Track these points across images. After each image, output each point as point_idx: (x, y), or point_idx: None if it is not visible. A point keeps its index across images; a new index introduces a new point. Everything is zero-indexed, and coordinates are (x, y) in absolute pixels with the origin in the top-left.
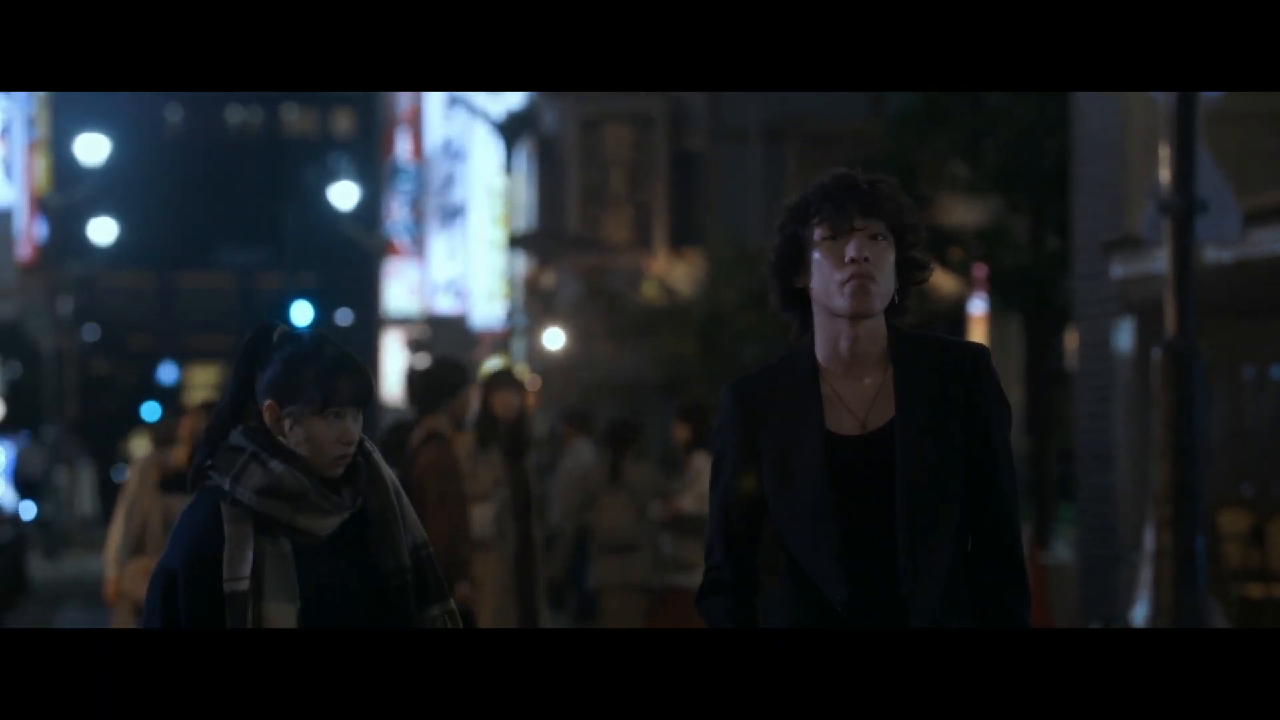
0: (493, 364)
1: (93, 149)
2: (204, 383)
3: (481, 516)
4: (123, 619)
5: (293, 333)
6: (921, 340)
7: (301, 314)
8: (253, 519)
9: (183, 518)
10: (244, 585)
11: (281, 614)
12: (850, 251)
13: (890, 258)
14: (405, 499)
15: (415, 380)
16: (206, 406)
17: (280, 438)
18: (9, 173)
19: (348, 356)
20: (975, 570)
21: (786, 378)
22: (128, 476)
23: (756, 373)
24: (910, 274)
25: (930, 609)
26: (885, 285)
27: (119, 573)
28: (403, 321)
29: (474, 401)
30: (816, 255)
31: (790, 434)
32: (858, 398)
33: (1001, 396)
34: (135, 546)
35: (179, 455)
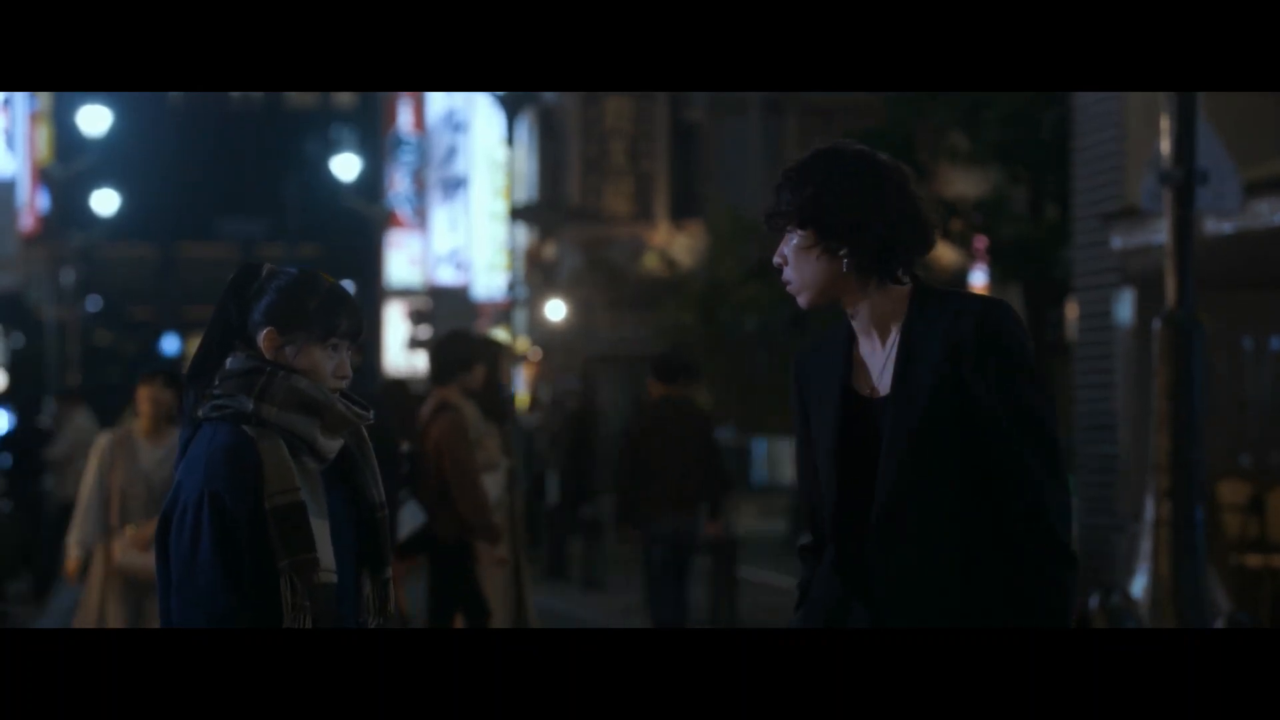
0: (498, 334)
1: (95, 120)
2: None
3: (491, 485)
4: (114, 595)
5: (282, 269)
6: (940, 300)
7: None
8: (280, 437)
9: (205, 448)
10: (298, 496)
11: (321, 531)
12: (775, 258)
13: (799, 242)
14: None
15: (432, 351)
16: (163, 375)
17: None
18: (11, 144)
19: (345, 291)
20: (1003, 531)
21: (830, 343)
22: (90, 456)
23: (815, 341)
24: (850, 239)
25: (904, 577)
26: (803, 275)
27: (84, 554)
28: (404, 293)
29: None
30: None
31: (823, 396)
32: (878, 361)
33: (1011, 353)
34: (120, 519)
35: (142, 426)
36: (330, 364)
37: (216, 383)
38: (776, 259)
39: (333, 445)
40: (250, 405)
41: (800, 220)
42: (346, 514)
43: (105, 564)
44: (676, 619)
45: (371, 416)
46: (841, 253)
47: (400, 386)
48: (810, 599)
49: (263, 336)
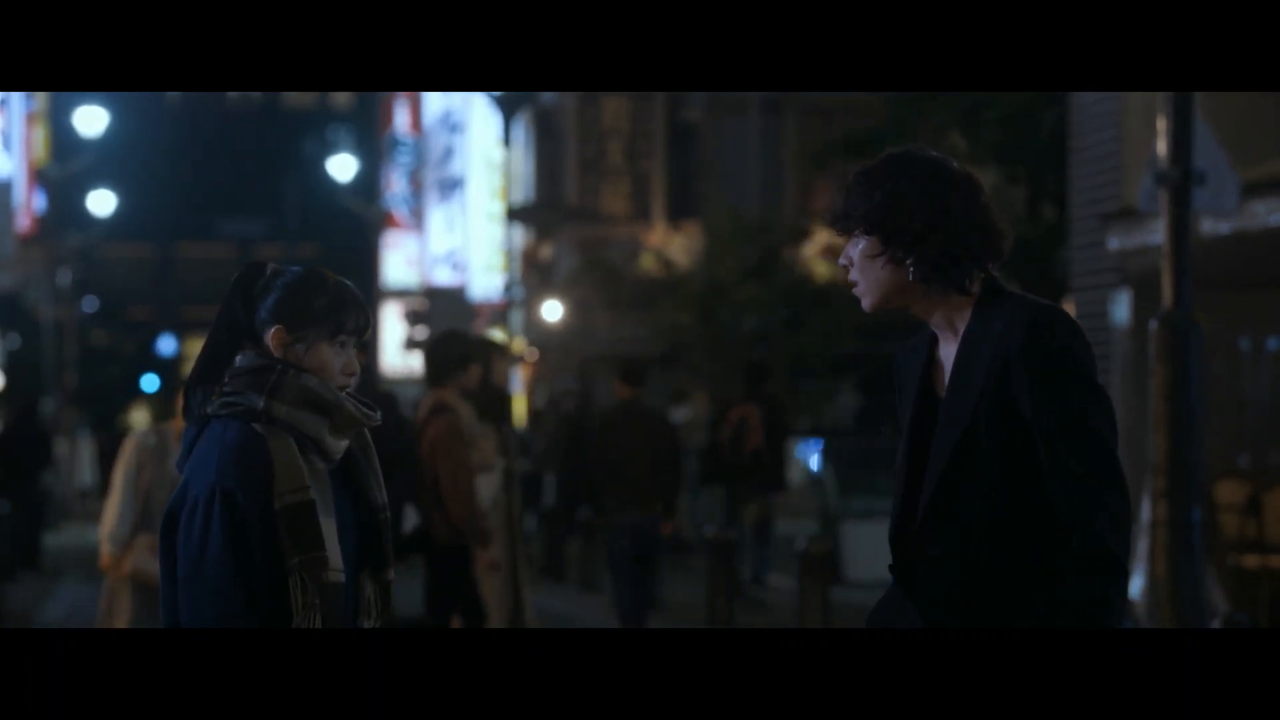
0: (495, 334)
1: (91, 120)
2: None
3: (486, 486)
4: (125, 598)
5: (285, 267)
6: (1002, 304)
7: None
8: (290, 436)
9: (215, 445)
10: (308, 494)
11: (329, 529)
12: (841, 259)
13: (865, 248)
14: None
15: (427, 351)
16: None
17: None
18: (8, 144)
19: (351, 288)
20: (1051, 539)
21: (920, 341)
22: (123, 451)
23: (912, 340)
24: (915, 248)
25: (941, 576)
26: (867, 279)
27: (119, 550)
28: (401, 293)
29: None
30: None
31: (907, 395)
32: (950, 363)
33: (1057, 359)
34: (142, 522)
35: (179, 427)
36: (339, 362)
37: (226, 380)
38: (842, 260)
39: (339, 445)
40: (261, 403)
41: (868, 227)
42: (349, 515)
43: (124, 564)
44: (638, 608)
45: (379, 418)
46: (908, 262)
47: None
48: (880, 600)
49: (271, 334)
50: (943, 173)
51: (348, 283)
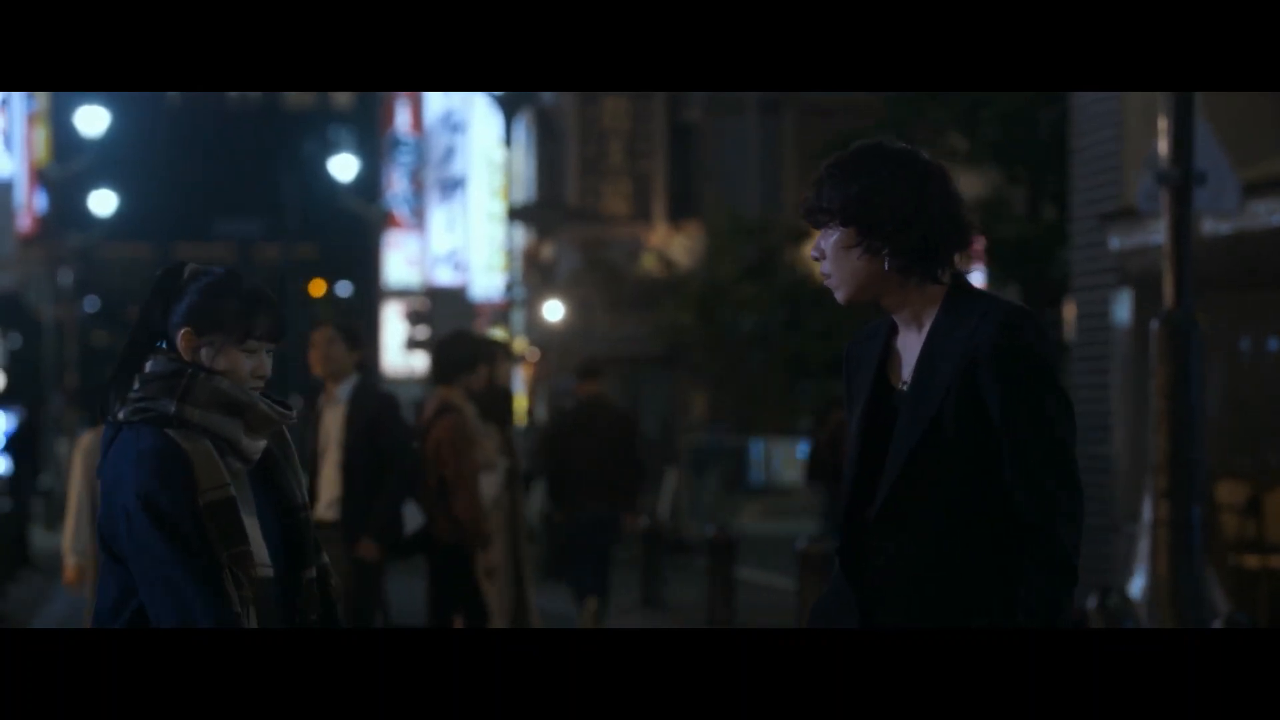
0: (496, 334)
1: (92, 120)
2: None
3: (488, 485)
4: None
5: (206, 269)
6: (971, 302)
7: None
8: (206, 438)
9: (128, 451)
10: (229, 491)
11: (252, 528)
12: (812, 251)
13: (839, 239)
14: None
15: (435, 351)
16: None
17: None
18: (9, 144)
19: (266, 292)
20: (1006, 537)
21: (876, 331)
22: (71, 463)
23: (866, 329)
24: (893, 239)
25: (893, 569)
26: (841, 270)
27: (82, 560)
28: (402, 293)
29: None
30: None
31: (860, 384)
32: (912, 353)
33: (1025, 362)
34: None
35: None
36: (249, 365)
37: (137, 385)
38: (814, 252)
39: (257, 446)
40: (173, 408)
41: (844, 219)
42: (272, 515)
43: (94, 571)
44: (599, 592)
45: (294, 416)
46: (884, 252)
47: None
48: (826, 591)
49: (180, 337)
50: (916, 164)
51: (264, 286)
